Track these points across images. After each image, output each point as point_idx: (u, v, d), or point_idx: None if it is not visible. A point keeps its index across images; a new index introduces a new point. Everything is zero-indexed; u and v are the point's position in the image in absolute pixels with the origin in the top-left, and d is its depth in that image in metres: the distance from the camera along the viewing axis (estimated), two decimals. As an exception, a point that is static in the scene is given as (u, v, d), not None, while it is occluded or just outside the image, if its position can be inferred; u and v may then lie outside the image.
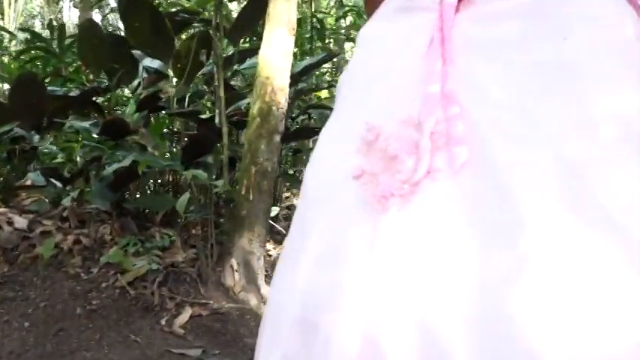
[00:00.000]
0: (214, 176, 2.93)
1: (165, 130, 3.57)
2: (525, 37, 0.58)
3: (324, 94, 5.95)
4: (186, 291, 2.44)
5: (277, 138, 2.59)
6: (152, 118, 3.67)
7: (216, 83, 2.82)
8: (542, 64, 0.55)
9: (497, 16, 0.59)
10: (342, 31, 5.94)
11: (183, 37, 3.72)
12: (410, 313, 0.46)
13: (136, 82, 3.61)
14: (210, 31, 2.94)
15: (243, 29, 3.22)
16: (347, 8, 5.86)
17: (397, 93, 0.60)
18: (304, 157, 4.73)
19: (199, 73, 3.44)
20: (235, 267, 2.49)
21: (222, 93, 2.73)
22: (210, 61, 3.37)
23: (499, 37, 0.59)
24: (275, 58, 2.56)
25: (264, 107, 2.54)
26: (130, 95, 3.89)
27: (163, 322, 2.25)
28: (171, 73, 3.34)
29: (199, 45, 2.84)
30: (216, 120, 2.81)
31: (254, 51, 3.58)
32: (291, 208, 4.83)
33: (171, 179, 3.44)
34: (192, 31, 3.88)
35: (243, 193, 2.52)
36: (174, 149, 3.72)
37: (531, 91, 0.54)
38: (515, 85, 0.55)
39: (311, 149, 5.69)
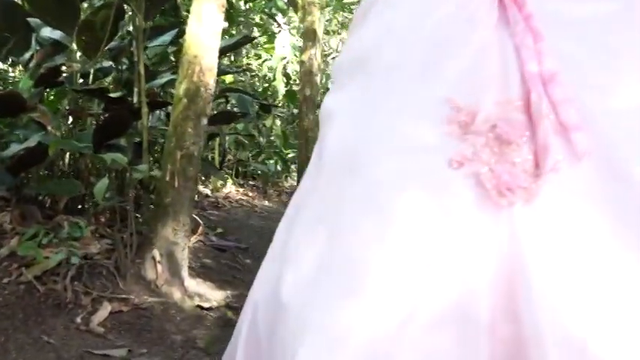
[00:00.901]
0: (128, 161, 2.69)
1: (66, 108, 3.24)
2: (615, 19, 0.55)
3: (228, 78, 5.78)
4: (103, 285, 2.23)
5: (204, 121, 2.44)
6: (51, 95, 3.32)
7: (136, 59, 2.59)
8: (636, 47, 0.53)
9: None
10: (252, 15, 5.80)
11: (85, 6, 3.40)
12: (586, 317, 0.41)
13: (28, 55, 3.24)
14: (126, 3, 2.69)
15: (157, 1, 2.99)
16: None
17: (480, 70, 0.54)
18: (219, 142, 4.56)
19: (106, 47, 3.15)
20: (158, 258, 2.32)
21: (142, 70, 2.52)
22: (120, 34, 3.10)
23: (586, 15, 0.55)
24: (205, 36, 2.40)
25: (192, 88, 2.38)
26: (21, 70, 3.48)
27: (79, 320, 2.03)
28: (74, 45, 3.02)
29: (115, 16, 2.59)
30: (135, 99, 2.58)
31: (166, 27, 3.36)
32: (203, 194, 4.64)
33: (72, 162, 3.13)
34: (94, 1, 3.56)
35: (167, 179, 2.35)
36: (74, 129, 3.39)
37: (634, 78, 0.51)
38: (615, 69, 0.52)
39: (230, 133, 5.50)
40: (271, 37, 6.91)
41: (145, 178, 2.39)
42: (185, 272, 2.43)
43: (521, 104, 0.51)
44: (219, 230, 3.86)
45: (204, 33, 2.40)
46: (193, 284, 2.48)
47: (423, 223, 0.49)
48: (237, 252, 3.42)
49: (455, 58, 0.56)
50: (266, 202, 5.75)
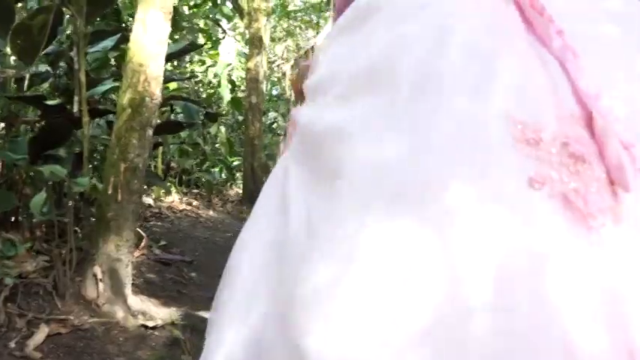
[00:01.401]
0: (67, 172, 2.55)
1: (-3, 115, 3.04)
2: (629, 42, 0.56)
3: (172, 85, 5.63)
4: (40, 306, 2.09)
5: (150, 132, 2.35)
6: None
7: (75, 65, 2.47)
8: None
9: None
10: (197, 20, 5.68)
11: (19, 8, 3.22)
12: None
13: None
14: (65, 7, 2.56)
15: (98, 5, 2.87)
16: (203, -3, 5.63)
17: (530, 83, 0.50)
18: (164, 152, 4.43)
19: (43, 52, 2.99)
20: (99, 276, 2.21)
21: (83, 77, 2.40)
22: (58, 38, 2.95)
23: (607, 35, 0.55)
24: (150, 44, 2.32)
25: (137, 97, 2.29)
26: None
27: (13, 344, 1.89)
28: (8, 49, 2.85)
29: (53, 19, 2.45)
30: (74, 107, 2.46)
31: (108, 32, 3.23)
32: (145, 204, 4.47)
33: (5, 173, 2.94)
34: (31, 3, 3.38)
35: (110, 192, 2.24)
36: (6, 138, 3.19)
37: None
38: None
39: (174, 143, 5.32)
40: (216, 42, 6.81)
41: (86, 190, 2.28)
42: (128, 290, 2.32)
43: (582, 120, 0.49)
44: (163, 243, 3.75)
45: (149, 41, 2.32)
46: (137, 302, 2.38)
47: (513, 251, 0.45)
48: (182, 265, 3.31)
49: (501, 71, 0.51)
50: (211, 212, 5.63)
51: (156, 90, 2.35)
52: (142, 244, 3.18)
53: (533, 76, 0.50)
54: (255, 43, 6.20)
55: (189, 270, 3.29)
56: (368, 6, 0.61)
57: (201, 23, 6.46)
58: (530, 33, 0.53)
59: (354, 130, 0.53)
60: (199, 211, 5.41)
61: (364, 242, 0.47)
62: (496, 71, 0.50)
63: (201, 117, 3.76)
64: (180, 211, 5.03)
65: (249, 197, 6.32)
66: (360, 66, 0.57)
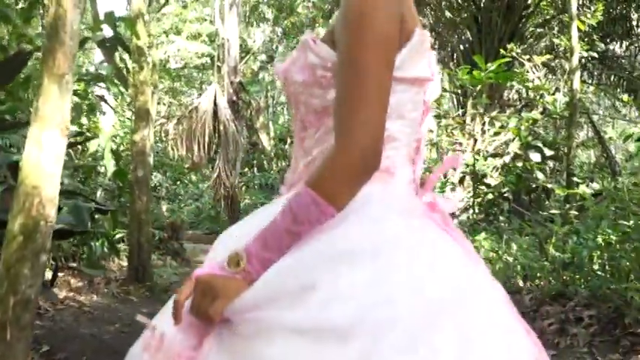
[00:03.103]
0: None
1: None
2: None
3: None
4: None
5: (44, 257, 2.17)
6: None
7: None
8: None
9: None
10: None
11: None
12: None
13: None
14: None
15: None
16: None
17: None
18: None
19: None
20: None
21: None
22: None
23: None
24: (46, 163, 2.17)
25: (30, 223, 2.11)
26: None
27: None
28: None
29: None
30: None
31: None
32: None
33: None
34: None
35: (-4, 331, 2.01)
36: None
37: None
38: None
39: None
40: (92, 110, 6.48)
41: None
42: None
43: None
44: (46, 348, 3.41)
45: (45, 159, 2.17)
46: None
47: None
48: (70, 380, 3.02)
49: None
50: (95, 297, 5.23)
51: (51, 212, 2.18)
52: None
53: None
54: (141, 115, 6.02)
55: (79, 385, 3.00)
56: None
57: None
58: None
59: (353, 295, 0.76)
60: (81, 298, 5.00)
61: None
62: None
63: (91, 213, 3.53)
64: (62, 301, 4.61)
65: (135, 275, 6.00)
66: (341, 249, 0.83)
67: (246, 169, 16.31)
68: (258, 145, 16.16)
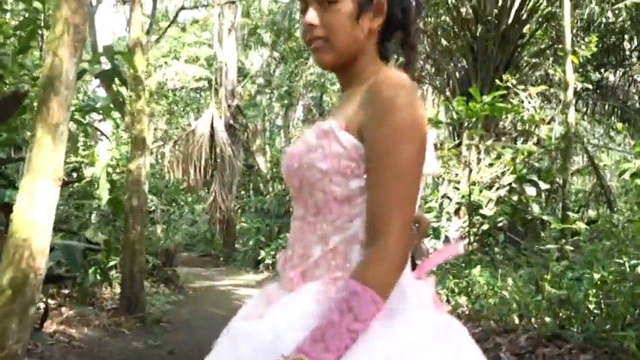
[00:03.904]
0: None
1: None
2: None
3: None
4: None
5: (32, 309, 2.14)
6: None
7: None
8: None
9: None
10: None
11: None
12: None
13: None
14: None
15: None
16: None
17: None
18: None
19: None
20: None
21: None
22: None
23: None
24: (37, 214, 2.15)
25: (19, 276, 2.08)
26: None
27: None
28: None
29: None
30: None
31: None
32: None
33: None
34: None
35: (-19, 389, 1.97)
36: None
37: None
38: None
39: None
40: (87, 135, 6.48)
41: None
42: None
43: None
44: (34, 391, 3.34)
45: (36, 212, 2.15)
46: None
47: None
48: None
49: None
50: (85, 330, 5.15)
51: (41, 263, 2.16)
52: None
53: None
54: (137, 144, 6.02)
55: None
56: None
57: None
58: None
59: None
60: (72, 331, 4.92)
61: None
62: None
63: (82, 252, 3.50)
64: (50, 335, 4.54)
65: (128, 306, 5.93)
66: None
67: (242, 192, 16.29)
68: (254, 167, 16.18)
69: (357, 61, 1.08)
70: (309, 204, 1.03)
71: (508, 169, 6.79)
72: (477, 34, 9.92)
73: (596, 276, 4.32)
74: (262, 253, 10.92)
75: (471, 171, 7.24)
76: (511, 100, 8.07)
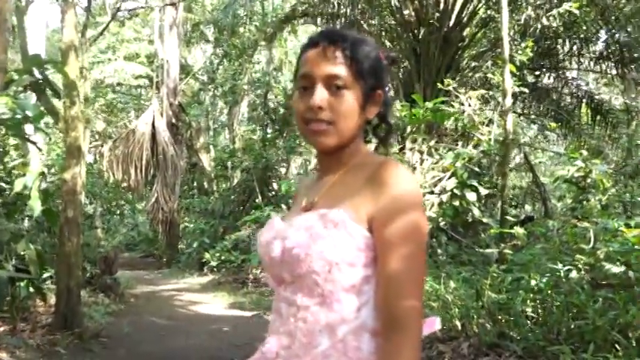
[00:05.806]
0: None
1: None
2: None
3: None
4: None
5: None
6: None
7: None
8: None
9: None
10: None
11: None
12: None
13: None
14: None
15: None
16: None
17: None
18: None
19: None
20: None
21: None
22: None
23: None
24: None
25: None
26: None
27: None
28: None
29: None
30: None
31: None
32: None
33: None
34: None
35: None
36: None
37: None
38: None
39: None
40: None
41: None
42: None
43: None
44: None
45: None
46: None
47: None
48: None
49: None
50: (17, 352, 4.88)
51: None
52: None
53: None
54: (72, 152, 5.74)
55: None
56: None
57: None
58: None
59: None
60: (2, 355, 4.65)
61: None
62: None
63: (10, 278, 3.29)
64: (-21, 358, 4.26)
65: (64, 322, 5.66)
66: None
67: (186, 189, 15.93)
68: (198, 164, 15.86)
69: (350, 146, 1.13)
70: (314, 293, 1.05)
71: (450, 175, 6.94)
72: (420, 36, 10.07)
73: (533, 282, 4.47)
74: (207, 255, 10.72)
75: (414, 170, 7.36)
76: (452, 102, 8.24)
